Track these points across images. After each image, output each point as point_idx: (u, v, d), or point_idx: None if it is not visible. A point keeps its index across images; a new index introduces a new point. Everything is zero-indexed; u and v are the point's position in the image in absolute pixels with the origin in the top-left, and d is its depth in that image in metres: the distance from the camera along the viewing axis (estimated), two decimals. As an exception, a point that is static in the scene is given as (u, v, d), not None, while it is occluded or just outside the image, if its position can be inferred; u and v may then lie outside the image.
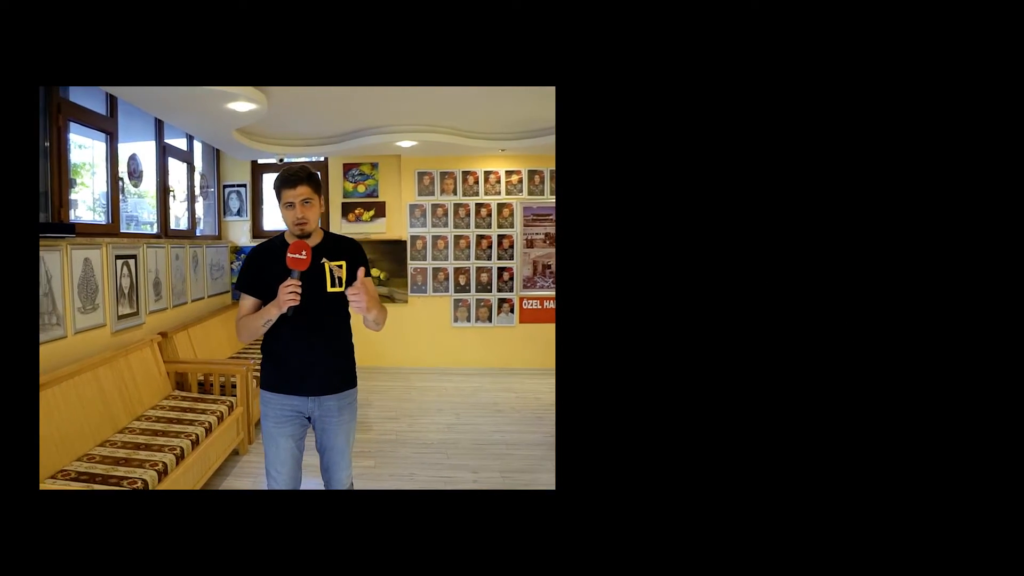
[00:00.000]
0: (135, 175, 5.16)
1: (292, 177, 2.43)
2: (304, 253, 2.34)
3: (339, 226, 7.41)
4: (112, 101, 4.69)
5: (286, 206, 2.44)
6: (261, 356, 2.58)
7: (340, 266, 2.49)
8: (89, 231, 4.36)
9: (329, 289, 2.47)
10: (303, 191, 2.42)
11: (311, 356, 2.49)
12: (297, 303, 2.31)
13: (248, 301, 2.49)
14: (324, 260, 2.46)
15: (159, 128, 5.62)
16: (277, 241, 2.53)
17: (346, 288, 2.41)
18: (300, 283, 2.33)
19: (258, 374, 5.04)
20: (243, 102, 4.58)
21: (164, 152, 5.72)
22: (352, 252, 2.57)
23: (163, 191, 5.67)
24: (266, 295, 2.43)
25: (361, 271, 2.36)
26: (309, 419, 2.57)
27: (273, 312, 2.35)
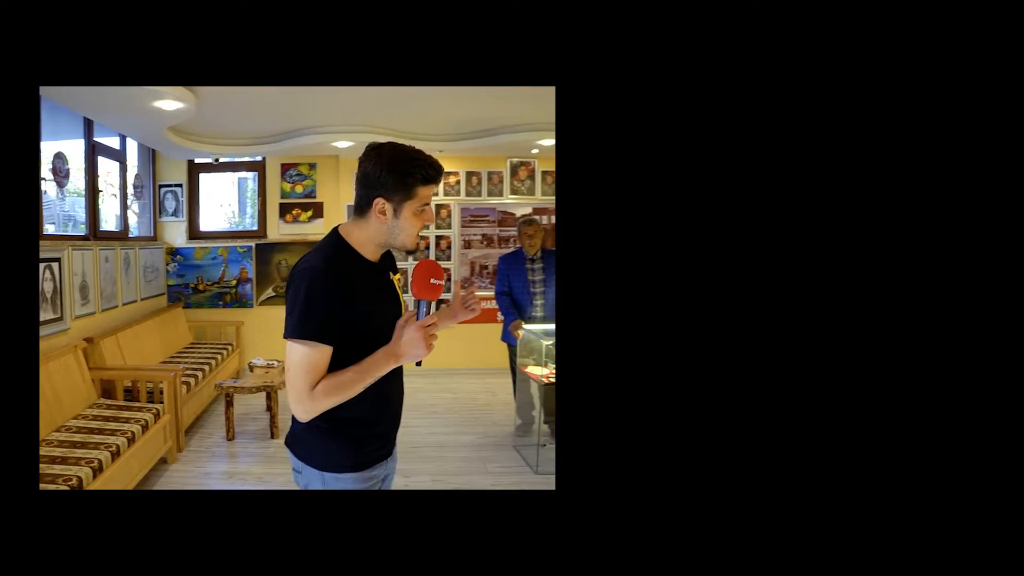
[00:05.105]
0: (61, 174, 5.05)
1: (440, 168, 1.76)
2: (443, 279, 1.75)
3: (277, 227, 7.35)
4: (34, 100, 4.57)
5: (418, 210, 1.74)
6: (316, 426, 1.77)
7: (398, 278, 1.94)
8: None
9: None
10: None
11: (396, 409, 1.92)
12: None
13: (323, 355, 1.68)
14: (391, 273, 1.90)
15: (88, 126, 5.51)
16: (344, 258, 1.75)
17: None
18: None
19: (188, 380, 5.10)
20: (170, 100, 4.49)
21: (94, 151, 5.61)
22: (393, 261, 1.95)
23: (92, 191, 5.56)
24: (341, 340, 1.70)
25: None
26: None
27: (391, 365, 1.71)
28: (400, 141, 1.79)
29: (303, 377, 1.65)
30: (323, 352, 1.66)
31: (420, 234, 1.79)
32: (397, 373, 1.84)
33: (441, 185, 7.33)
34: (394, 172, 1.69)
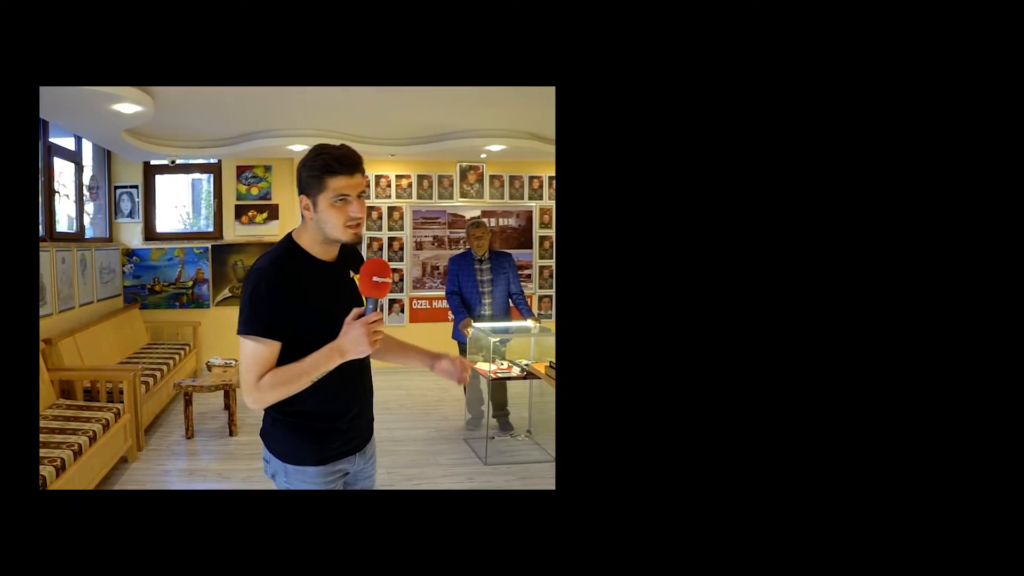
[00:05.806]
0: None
1: (350, 160, 1.78)
2: (390, 276, 1.80)
3: (232, 229, 7.48)
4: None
5: (337, 200, 1.76)
6: (279, 419, 1.89)
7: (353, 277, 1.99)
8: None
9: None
10: (361, 181, 1.80)
11: (359, 405, 1.96)
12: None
13: (271, 349, 1.76)
14: (352, 273, 1.96)
15: (43, 127, 5.55)
16: (292, 258, 1.83)
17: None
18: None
19: (147, 380, 5.21)
20: (128, 103, 4.57)
21: (49, 152, 5.67)
22: (358, 261, 1.97)
23: (48, 192, 5.63)
24: (292, 337, 1.77)
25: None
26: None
27: (335, 361, 1.76)
28: (351, 144, 1.89)
29: (252, 370, 1.76)
30: (270, 347, 1.75)
31: (361, 229, 1.84)
32: (362, 369, 1.93)
33: (393, 188, 7.55)
34: (304, 168, 1.78)
